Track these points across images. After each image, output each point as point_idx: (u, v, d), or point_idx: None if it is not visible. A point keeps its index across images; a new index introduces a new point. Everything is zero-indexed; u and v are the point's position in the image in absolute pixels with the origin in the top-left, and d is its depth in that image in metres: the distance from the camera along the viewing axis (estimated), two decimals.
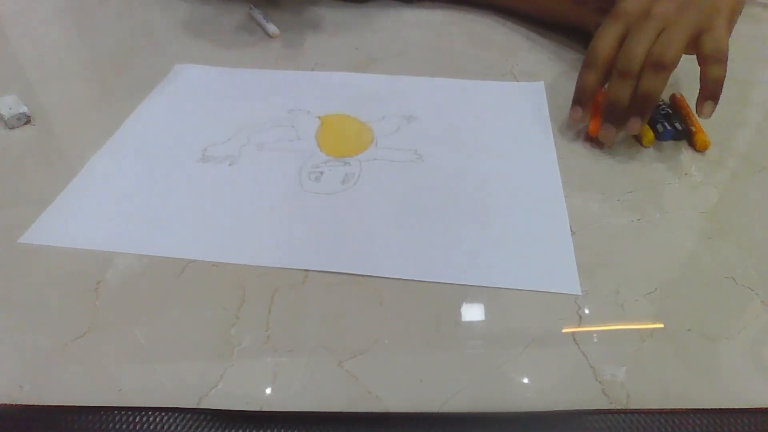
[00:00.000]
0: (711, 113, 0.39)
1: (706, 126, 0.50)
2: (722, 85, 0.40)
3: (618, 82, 0.42)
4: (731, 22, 0.43)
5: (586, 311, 0.37)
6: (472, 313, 0.37)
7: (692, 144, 0.50)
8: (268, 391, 0.33)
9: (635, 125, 0.41)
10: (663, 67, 0.41)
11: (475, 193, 0.45)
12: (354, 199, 0.45)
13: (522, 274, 0.39)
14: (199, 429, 0.30)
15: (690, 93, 0.54)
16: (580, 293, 0.38)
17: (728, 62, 0.44)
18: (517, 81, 0.59)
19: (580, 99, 0.44)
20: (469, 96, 0.57)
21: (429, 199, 0.45)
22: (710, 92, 0.41)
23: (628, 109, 0.43)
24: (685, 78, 0.59)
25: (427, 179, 0.46)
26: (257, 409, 0.32)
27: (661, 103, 0.52)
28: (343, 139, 0.51)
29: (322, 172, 0.47)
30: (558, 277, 0.39)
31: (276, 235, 0.42)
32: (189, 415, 0.30)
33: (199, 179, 0.46)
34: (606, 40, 0.43)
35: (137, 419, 0.30)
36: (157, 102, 0.55)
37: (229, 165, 0.48)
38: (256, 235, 0.42)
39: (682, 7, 0.42)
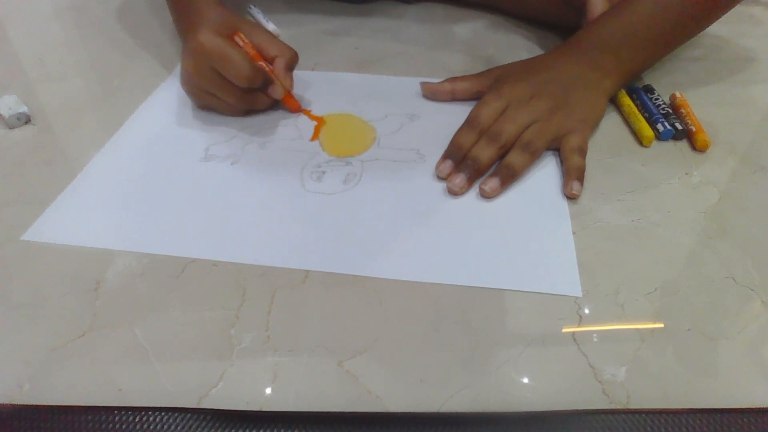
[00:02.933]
0: (579, 192, 0.45)
1: (706, 126, 0.51)
2: (584, 172, 0.46)
3: (484, 143, 0.47)
4: (593, 130, 0.51)
5: (586, 311, 0.37)
6: (472, 313, 0.37)
7: (692, 144, 0.50)
8: (268, 391, 0.33)
9: (494, 185, 0.44)
10: (530, 152, 0.46)
11: (476, 193, 0.45)
12: (355, 199, 0.45)
13: (523, 276, 0.39)
14: (199, 429, 0.30)
15: (690, 93, 0.54)
16: (580, 295, 0.38)
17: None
18: None
19: (453, 155, 0.47)
20: None
21: (430, 199, 0.45)
22: (575, 176, 0.45)
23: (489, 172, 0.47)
24: (685, 78, 0.59)
25: (428, 179, 0.46)
26: (257, 409, 0.32)
27: (661, 102, 0.52)
28: (345, 138, 0.51)
29: (323, 172, 0.47)
30: (559, 279, 0.39)
31: (277, 235, 0.42)
32: (189, 415, 0.30)
33: (201, 178, 0.46)
34: (490, 108, 0.48)
35: (137, 419, 0.30)
36: (160, 100, 0.55)
37: (232, 164, 0.48)
38: (257, 234, 0.42)
39: (552, 109, 0.48)
